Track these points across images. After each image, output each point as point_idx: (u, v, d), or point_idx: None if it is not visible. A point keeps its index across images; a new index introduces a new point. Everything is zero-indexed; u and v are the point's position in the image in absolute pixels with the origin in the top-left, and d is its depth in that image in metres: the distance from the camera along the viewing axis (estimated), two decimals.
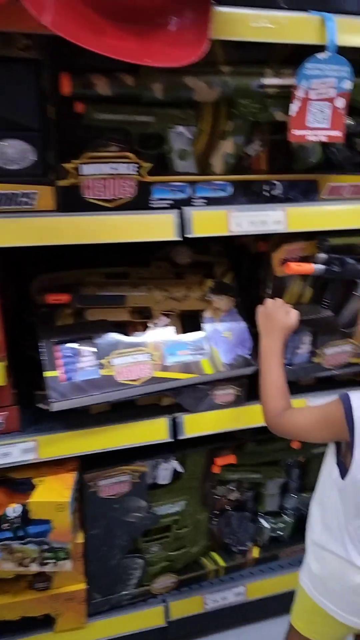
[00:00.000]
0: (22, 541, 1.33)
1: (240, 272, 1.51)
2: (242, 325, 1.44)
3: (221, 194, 1.25)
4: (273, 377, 1.26)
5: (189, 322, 1.42)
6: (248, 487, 1.69)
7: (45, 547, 1.35)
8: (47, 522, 1.33)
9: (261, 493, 1.70)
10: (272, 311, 1.33)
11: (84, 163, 1.13)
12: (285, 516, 1.76)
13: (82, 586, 1.50)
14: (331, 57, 1.15)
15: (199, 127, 1.21)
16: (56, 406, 1.25)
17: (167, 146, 1.19)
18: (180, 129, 1.18)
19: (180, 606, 1.68)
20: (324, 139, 1.22)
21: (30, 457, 1.30)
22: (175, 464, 1.52)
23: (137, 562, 1.59)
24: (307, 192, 1.31)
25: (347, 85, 1.19)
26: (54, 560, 1.37)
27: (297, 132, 1.20)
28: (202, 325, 1.42)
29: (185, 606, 1.69)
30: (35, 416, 1.35)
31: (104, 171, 1.15)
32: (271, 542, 1.79)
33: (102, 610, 1.58)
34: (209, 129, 1.23)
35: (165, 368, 1.35)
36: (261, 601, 1.76)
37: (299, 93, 1.17)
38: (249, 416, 1.47)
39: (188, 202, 1.23)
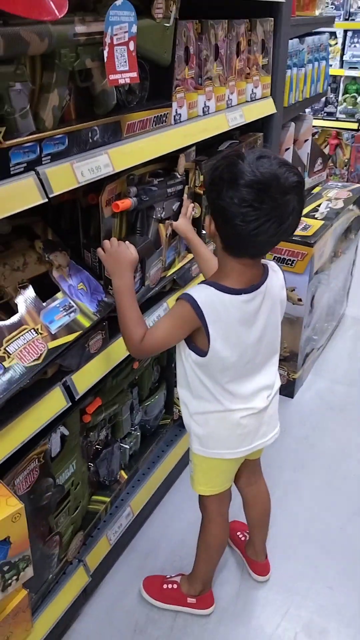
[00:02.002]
0: None
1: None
2: (86, 274, 1.48)
3: (61, 147, 1.23)
4: (130, 312, 1.40)
5: (42, 287, 1.39)
6: (109, 421, 1.80)
7: (6, 567, 1.23)
8: (3, 541, 1.20)
9: (119, 421, 1.84)
10: (116, 252, 1.43)
11: None
12: (134, 432, 1.96)
13: (24, 593, 1.40)
14: (123, 4, 1.25)
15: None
16: None
17: (9, 107, 1.10)
18: (19, 86, 1.10)
19: (94, 556, 1.74)
20: (128, 81, 1.33)
21: None
22: (62, 430, 1.52)
23: (54, 539, 1.57)
24: (115, 134, 1.39)
25: (134, 29, 1.31)
26: (16, 577, 1.27)
27: (112, 77, 1.27)
28: (57, 286, 1.40)
29: (98, 553, 1.76)
30: None
31: None
32: (130, 460, 1.97)
33: (37, 607, 1.53)
34: (33, 84, 1.18)
35: (54, 337, 1.31)
36: (143, 509, 1.97)
37: (107, 39, 1.23)
38: (115, 354, 1.57)
39: (38, 162, 1.18)
